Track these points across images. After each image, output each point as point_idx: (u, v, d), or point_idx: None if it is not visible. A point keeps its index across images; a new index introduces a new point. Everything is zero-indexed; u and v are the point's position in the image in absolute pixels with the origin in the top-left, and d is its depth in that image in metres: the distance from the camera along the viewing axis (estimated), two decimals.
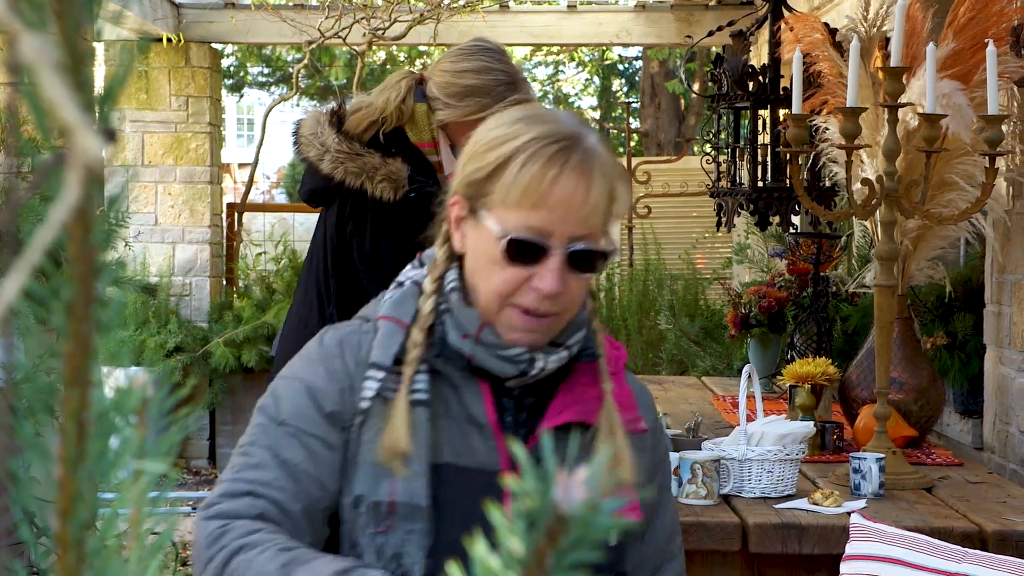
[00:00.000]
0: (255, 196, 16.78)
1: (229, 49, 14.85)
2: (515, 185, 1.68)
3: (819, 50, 3.88)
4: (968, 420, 4.60)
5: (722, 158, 4.58)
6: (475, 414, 1.76)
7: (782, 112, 4.30)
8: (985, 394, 4.15)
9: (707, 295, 7.80)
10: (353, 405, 1.75)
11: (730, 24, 5.04)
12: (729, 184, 4.49)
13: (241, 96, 19.04)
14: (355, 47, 7.92)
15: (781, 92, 4.31)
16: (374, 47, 8.21)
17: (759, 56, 6.41)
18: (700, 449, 3.12)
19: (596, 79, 17.77)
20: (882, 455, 3.10)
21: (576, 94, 18.17)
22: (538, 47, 14.85)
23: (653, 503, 1.89)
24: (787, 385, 3.83)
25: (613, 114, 17.21)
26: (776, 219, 4.39)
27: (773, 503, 2.98)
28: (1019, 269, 3.83)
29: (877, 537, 2.50)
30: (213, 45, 8.40)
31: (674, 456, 2.91)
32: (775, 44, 4.38)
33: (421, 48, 12.55)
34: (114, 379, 0.57)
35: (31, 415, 0.55)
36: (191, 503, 7.27)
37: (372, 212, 3.26)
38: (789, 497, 3.03)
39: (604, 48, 15.13)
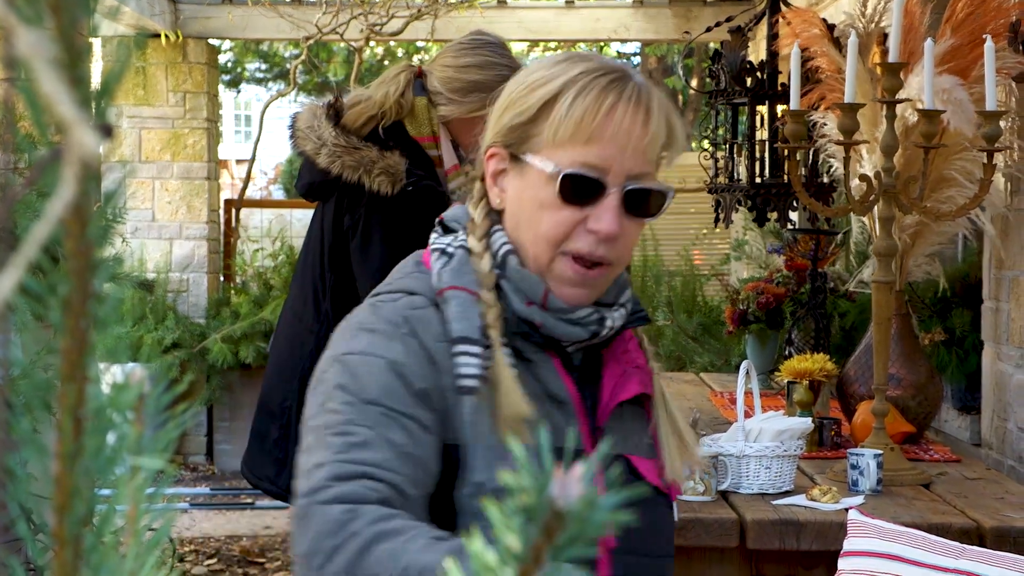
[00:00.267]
0: (252, 192, 16.78)
1: (226, 45, 14.85)
2: (568, 119, 1.56)
3: (817, 46, 3.88)
4: (966, 416, 4.60)
5: (720, 154, 4.57)
6: (555, 390, 1.63)
7: (780, 108, 4.29)
8: (983, 390, 4.15)
9: (705, 291, 7.80)
10: (440, 385, 1.57)
11: (728, 20, 5.03)
12: (727, 180, 4.48)
13: (238, 92, 19.05)
14: (352, 43, 7.92)
15: (779, 88, 4.31)
16: (371, 43, 8.21)
17: (757, 52, 6.42)
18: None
19: None
20: (880, 451, 3.10)
21: None
22: (535, 43, 14.83)
23: None
24: (785, 381, 3.83)
25: None
26: (774, 215, 4.38)
27: (771, 499, 2.98)
28: (1017, 265, 3.83)
29: (875, 533, 2.50)
30: (210, 41, 8.39)
31: None
32: (773, 40, 4.37)
33: (419, 44, 12.54)
34: (111, 375, 0.57)
35: (28, 411, 0.55)
36: (188, 499, 7.27)
37: (369, 206, 3.24)
38: (787, 493, 3.03)
39: (602, 44, 15.11)
